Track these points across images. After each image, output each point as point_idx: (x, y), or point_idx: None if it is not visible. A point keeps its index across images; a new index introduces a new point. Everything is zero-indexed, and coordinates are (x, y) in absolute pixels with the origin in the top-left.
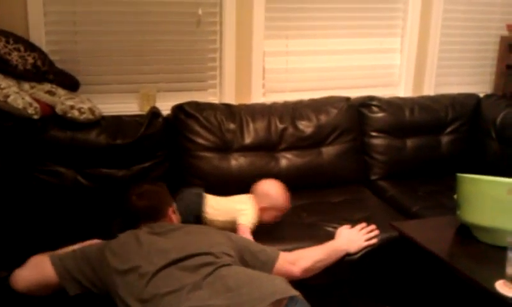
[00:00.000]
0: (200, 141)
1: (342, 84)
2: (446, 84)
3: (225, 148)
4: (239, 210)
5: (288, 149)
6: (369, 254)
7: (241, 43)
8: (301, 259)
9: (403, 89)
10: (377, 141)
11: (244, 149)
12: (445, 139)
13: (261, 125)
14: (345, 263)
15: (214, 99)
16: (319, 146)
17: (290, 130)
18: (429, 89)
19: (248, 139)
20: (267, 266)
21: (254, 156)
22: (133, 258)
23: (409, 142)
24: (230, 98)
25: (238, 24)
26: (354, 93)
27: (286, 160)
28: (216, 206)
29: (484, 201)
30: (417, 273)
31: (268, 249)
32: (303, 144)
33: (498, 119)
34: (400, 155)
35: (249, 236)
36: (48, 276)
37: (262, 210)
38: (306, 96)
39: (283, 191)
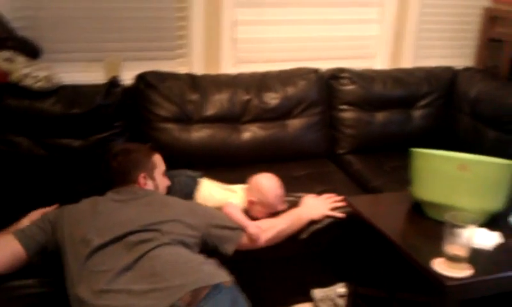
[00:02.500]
0: (160, 111)
1: (316, 55)
2: (426, 57)
3: (186, 119)
4: (228, 198)
5: (252, 121)
6: (325, 228)
7: (210, 12)
8: (265, 231)
9: (379, 62)
10: (346, 114)
11: (206, 120)
12: (416, 114)
13: (225, 96)
14: (299, 238)
15: (183, 69)
16: (284, 118)
17: (255, 101)
18: (407, 62)
19: (210, 110)
20: (231, 242)
21: (216, 128)
22: (84, 228)
23: (379, 116)
24: (199, 69)
25: None
26: (330, 65)
27: (249, 132)
28: (208, 195)
29: (434, 176)
30: (373, 249)
31: (233, 224)
32: (267, 116)
33: (472, 94)
34: (369, 129)
35: (232, 211)
36: (14, 249)
37: (251, 203)
38: (279, 67)
39: (277, 190)
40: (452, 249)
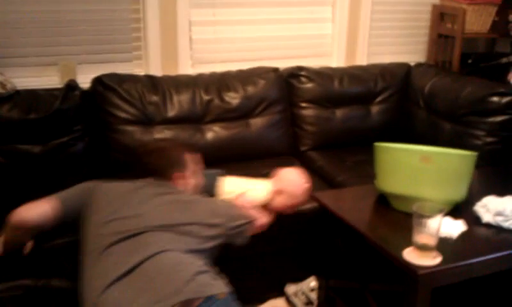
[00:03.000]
0: (120, 114)
1: (273, 54)
2: (379, 54)
3: (147, 121)
4: (249, 189)
5: (214, 121)
6: (294, 223)
7: (165, 12)
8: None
9: (336, 60)
10: (306, 111)
11: (168, 122)
12: (374, 109)
13: (185, 96)
14: (269, 234)
15: (139, 71)
16: (246, 117)
17: (216, 101)
18: (362, 59)
19: (171, 112)
20: (244, 236)
21: (178, 129)
22: (110, 209)
23: (339, 113)
24: (156, 70)
25: None
26: (286, 64)
27: (212, 132)
28: (228, 190)
29: (398, 169)
30: (342, 242)
31: (246, 219)
32: (229, 116)
33: (426, 88)
34: (330, 125)
35: (244, 204)
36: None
37: (278, 192)
38: (236, 67)
39: (304, 184)
40: (421, 238)
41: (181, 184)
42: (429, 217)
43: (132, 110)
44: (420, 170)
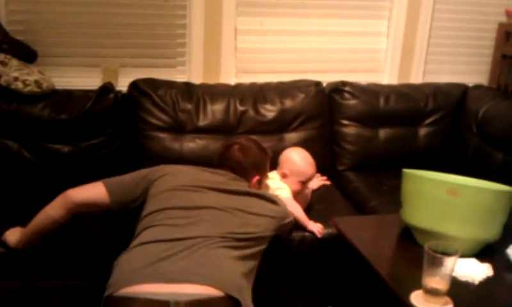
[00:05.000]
0: (152, 120)
1: (321, 67)
2: (436, 73)
3: (178, 128)
4: (274, 190)
5: (247, 133)
6: (313, 248)
7: (210, 20)
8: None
9: (388, 76)
10: (347, 129)
11: (199, 131)
12: (422, 131)
13: (220, 106)
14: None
15: (182, 77)
16: (281, 131)
17: (251, 113)
18: (417, 78)
19: (203, 121)
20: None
21: (209, 139)
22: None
23: (382, 133)
24: (198, 77)
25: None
26: (335, 78)
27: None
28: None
29: (423, 200)
30: (360, 272)
31: (291, 218)
32: (263, 128)
33: (481, 113)
34: (371, 145)
35: (295, 209)
36: (99, 191)
37: (283, 176)
38: (281, 78)
39: (305, 157)
40: (431, 281)
41: (255, 186)
42: (442, 257)
43: (163, 116)
44: (447, 203)
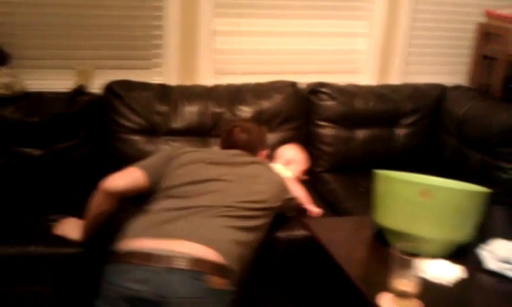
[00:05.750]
0: (125, 122)
1: (299, 68)
2: (416, 74)
3: (153, 131)
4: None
5: None
6: (286, 251)
7: (187, 21)
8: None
9: (367, 77)
10: (324, 130)
11: (174, 133)
12: (400, 132)
13: (195, 108)
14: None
15: (158, 79)
16: None
17: (227, 114)
18: (396, 78)
19: (178, 123)
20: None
21: (184, 141)
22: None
23: (360, 134)
24: (175, 79)
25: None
26: (314, 79)
27: (220, 146)
28: None
29: (394, 201)
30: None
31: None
32: None
33: (459, 113)
34: (349, 146)
35: (297, 189)
36: (138, 178)
37: (287, 163)
38: (260, 79)
39: (301, 150)
40: (399, 283)
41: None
42: (409, 259)
43: (137, 119)
44: (419, 205)
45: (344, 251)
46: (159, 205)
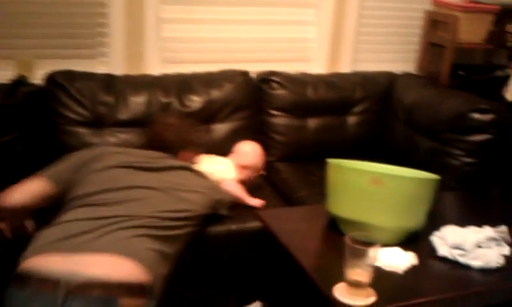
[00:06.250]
0: (69, 114)
1: (249, 57)
2: (366, 61)
3: (98, 123)
4: (219, 171)
5: None
6: (237, 243)
7: (132, 8)
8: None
9: (317, 65)
10: (276, 120)
11: (120, 124)
12: (351, 120)
13: (142, 98)
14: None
15: (104, 69)
16: (207, 122)
17: (175, 104)
18: (346, 67)
19: (124, 114)
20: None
21: (131, 133)
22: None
23: (311, 123)
24: (121, 68)
25: None
26: (264, 68)
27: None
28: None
29: (346, 190)
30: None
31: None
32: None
33: (408, 100)
34: (301, 135)
35: (234, 188)
36: (39, 188)
37: (244, 167)
38: (209, 68)
39: (261, 153)
40: (352, 273)
41: (188, 160)
42: (362, 248)
43: (82, 110)
44: (370, 193)
45: (297, 242)
46: (73, 214)
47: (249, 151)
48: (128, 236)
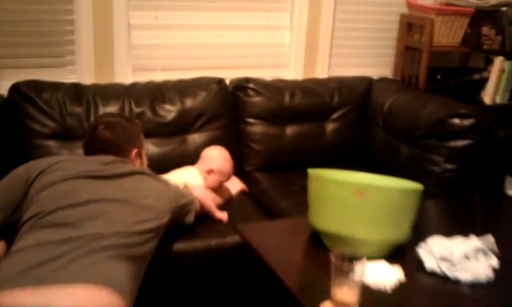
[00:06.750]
0: (36, 126)
1: (223, 63)
2: (342, 66)
3: (67, 135)
4: (185, 179)
5: (144, 136)
6: (218, 259)
7: (100, 15)
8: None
9: (293, 71)
10: (253, 128)
11: None
12: (329, 127)
13: (112, 108)
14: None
15: (72, 77)
16: (182, 133)
17: (148, 114)
18: (322, 72)
19: None
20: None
21: None
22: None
23: (289, 130)
24: (90, 77)
25: None
26: (238, 74)
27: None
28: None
29: (328, 203)
30: (269, 282)
31: (191, 199)
32: (163, 131)
33: (385, 106)
34: (279, 143)
35: (202, 195)
36: None
37: (209, 172)
38: (181, 76)
39: (229, 158)
40: (338, 292)
41: (136, 162)
42: (348, 266)
43: (49, 122)
44: (353, 205)
45: (279, 257)
46: (33, 239)
47: (214, 155)
48: (98, 261)
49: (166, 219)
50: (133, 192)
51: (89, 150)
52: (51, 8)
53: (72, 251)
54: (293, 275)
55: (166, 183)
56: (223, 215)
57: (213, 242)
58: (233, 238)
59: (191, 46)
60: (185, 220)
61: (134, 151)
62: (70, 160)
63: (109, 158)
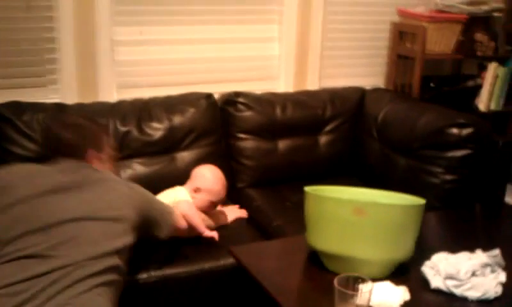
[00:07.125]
0: (17, 150)
1: (211, 78)
2: (333, 77)
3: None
4: (173, 198)
5: (131, 156)
6: (212, 283)
7: (83, 31)
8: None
9: (283, 83)
10: (244, 143)
11: None
12: (323, 140)
13: None
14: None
15: (55, 97)
16: (171, 151)
17: (135, 133)
18: (314, 83)
19: None
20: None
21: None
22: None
23: (281, 144)
24: (74, 96)
25: (77, 8)
26: (227, 88)
27: (130, 170)
28: None
29: (327, 222)
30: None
31: (168, 216)
32: (150, 150)
33: (380, 117)
34: (271, 158)
35: (188, 210)
36: None
37: (197, 190)
38: (167, 92)
39: (220, 177)
40: None
41: (96, 165)
42: (353, 293)
43: (31, 145)
44: (353, 224)
45: (277, 280)
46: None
47: (202, 173)
48: (77, 295)
49: (136, 225)
50: (99, 202)
51: (48, 155)
52: (31, 26)
53: (45, 288)
54: (292, 301)
55: (131, 187)
56: (213, 233)
57: (206, 265)
58: (228, 261)
59: (178, 61)
60: (161, 232)
61: (93, 151)
62: (30, 173)
63: (66, 163)
